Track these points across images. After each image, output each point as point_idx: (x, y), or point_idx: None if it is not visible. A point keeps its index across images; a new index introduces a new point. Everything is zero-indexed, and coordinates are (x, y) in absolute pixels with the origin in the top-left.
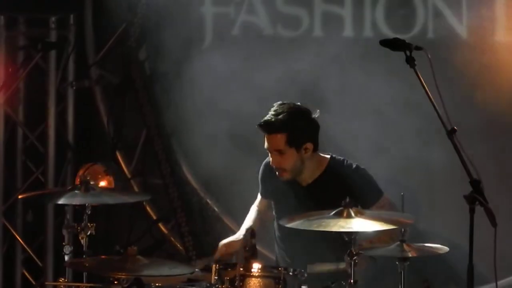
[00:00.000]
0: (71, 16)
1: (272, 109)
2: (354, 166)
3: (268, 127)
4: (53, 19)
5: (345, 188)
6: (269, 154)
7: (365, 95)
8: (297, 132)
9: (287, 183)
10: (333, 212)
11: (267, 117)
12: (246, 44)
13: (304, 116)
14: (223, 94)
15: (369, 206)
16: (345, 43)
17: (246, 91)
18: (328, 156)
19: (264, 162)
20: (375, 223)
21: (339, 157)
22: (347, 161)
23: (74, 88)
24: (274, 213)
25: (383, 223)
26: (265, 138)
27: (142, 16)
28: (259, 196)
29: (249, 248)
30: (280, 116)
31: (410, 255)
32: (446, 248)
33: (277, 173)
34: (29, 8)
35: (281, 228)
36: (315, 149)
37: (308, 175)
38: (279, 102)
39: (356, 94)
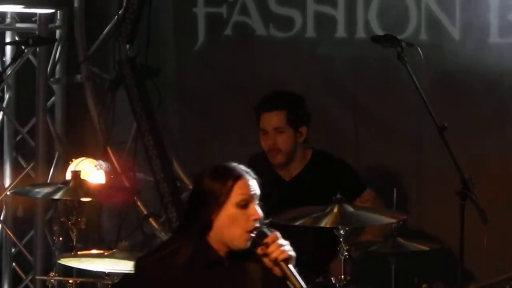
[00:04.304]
0: (62, 11)
1: (270, 93)
2: (336, 159)
3: (269, 104)
4: (43, 14)
5: (328, 181)
6: (262, 140)
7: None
8: (296, 111)
9: (272, 178)
10: (326, 207)
11: (270, 97)
12: (238, 45)
13: (301, 99)
14: (215, 93)
15: (352, 200)
16: (338, 44)
17: (237, 90)
18: (311, 150)
19: (249, 158)
20: (367, 219)
21: (322, 150)
22: (329, 154)
23: (65, 83)
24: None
25: (375, 218)
26: (264, 118)
27: (133, 12)
28: None
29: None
30: (282, 96)
31: (403, 251)
32: (437, 245)
33: (270, 157)
34: (18, 3)
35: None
36: (306, 138)
37: (293, 168)
38: (271, 90)
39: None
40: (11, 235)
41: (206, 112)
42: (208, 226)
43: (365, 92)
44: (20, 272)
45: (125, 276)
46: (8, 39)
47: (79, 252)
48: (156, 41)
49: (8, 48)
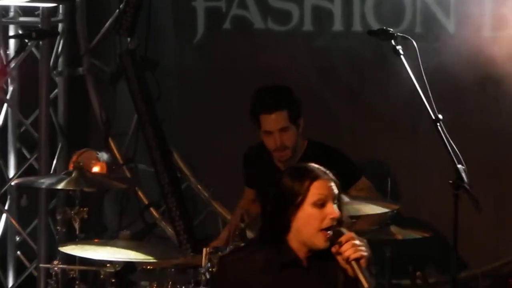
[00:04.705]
0: (64, 5)
1: (262, 93)
2: (331, 148)
3: (269, 105)
4: (45, 8)
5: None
6: (265, 139)
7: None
8: (294, 107)
9: (270, 168)
10: None
11: (267, 99)
12: (237, 38)
13: (291, 91)
14: (214, 84)
15: (347, 188)
16: (335, 37)
17: (236, 82)
18: (306, 140)
19: (245, 152)
20: (363, 207)
21: (316, 141)
22: (324, 144)
23: (67, 76)
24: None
25: (370, 207)
26: (266, 120)
27: (133, 5)
28: (245, 192)
29: (239, 232)
30: (279, 95)
31: (397, 238)
32: (431, 233)
33: (277, 155)
34: None
35: None
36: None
37: (290, 159)
38: (262, 88)
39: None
40: (15, 224)
41: (206, 104)
42: (287, 227)
43: (361, 84)
44: (24, 260)
45: (213, 274)
46: (11, 33)
47: (81, 241)
48: (156, 34)
49: (12, 42)
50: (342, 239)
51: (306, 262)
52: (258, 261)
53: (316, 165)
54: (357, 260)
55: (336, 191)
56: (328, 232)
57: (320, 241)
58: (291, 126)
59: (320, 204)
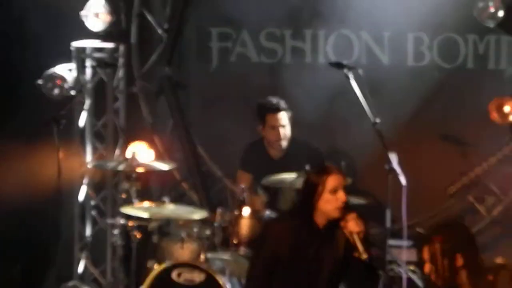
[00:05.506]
0: (123, 45)
1: (269, 100)
2: (304, 140)
3: (281, 108)
4: (110, 47)
5: (304, 158)
6: (270, 133)
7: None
8: (288, 108)
9: (266, 157)
10: (298, 175)
11: (274, 103)
12: (240, 69)
13: (284, 101)
14: (224, 99)
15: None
16: (307, 68)
17: (239, 97)
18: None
19: (249, 143)
20: None
21: (296, 137)
22: (303, 140)
23: (125, 93)
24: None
25: None
26: (272, 118)
27: (170, 44)
28: (241, 175)
29: (242, 198)
30: (280, 102)
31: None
32: (370, 198)
33: (277, 146)
34: (94, 38)
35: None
36: None
37: (280, 151)
38: (263, 100)
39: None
40: (90, 193)
41: (219, 111)
42: (313, 207)
43: (328, 96)
44: (97, 217)
45: (258, 236)
46: (87, 64)
47: (136, 204)
48: (185, 64)
49: (88, 70)
50: (348, 217)
51: (323, 229)
52: (291, 227)
53: (332, 164)
54: (358, 233)
55: (343, 182)
56: (340, 208)
57: (335, 214)
58: (288, 123)
59: (334, 191)
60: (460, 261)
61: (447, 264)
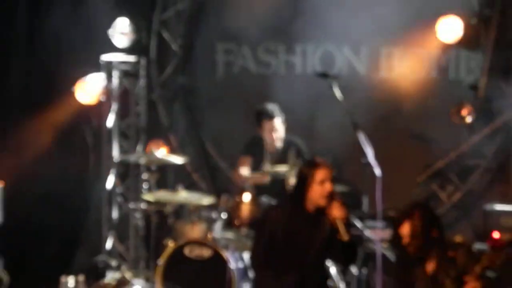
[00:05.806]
0: (143, 58)
1: (268, 106)
2: (295, 140)
3: (275, 115)
4: (132, 60)
5: (292, 151)
6: (271, 133)
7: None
8: (281, 114)
9: (262, 151)
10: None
11: (270, 110)
12: (242, 78)
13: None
14: (229, 105)
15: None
16: (296, 78)
17: (241, 102)
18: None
19: (252, 137)
20: None
21: (287, 136)
22: (295, 138)
23: (146, 99)
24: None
25: None
26: (269, 124)
27: (183, 58)
28: (242, 160)
29: (243, 187)
30: (275, 107)
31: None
32: (351, 187)
33: (276, 142)
34: (120, 52)
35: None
36: None
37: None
38: (260, 106)
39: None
40: (116, 182)
41: (224, 113)
42: (304, 196)
43: (314, 102)
44: (122, 203)
45: (258, 219)
46: (114, 74)
47: (154, 192)
48: (195, 73)
49: (115, 80)
50: (333, 204)
51: (313, 215)
52: (286, 212)
53: (321, 158)
54: (340, 218)
55: (330, 174)
56: (326, 197)
57: (322, 202)
58: (281, 127)
59: (321, 182)
60: (435, 233)
61: (425, 235)
